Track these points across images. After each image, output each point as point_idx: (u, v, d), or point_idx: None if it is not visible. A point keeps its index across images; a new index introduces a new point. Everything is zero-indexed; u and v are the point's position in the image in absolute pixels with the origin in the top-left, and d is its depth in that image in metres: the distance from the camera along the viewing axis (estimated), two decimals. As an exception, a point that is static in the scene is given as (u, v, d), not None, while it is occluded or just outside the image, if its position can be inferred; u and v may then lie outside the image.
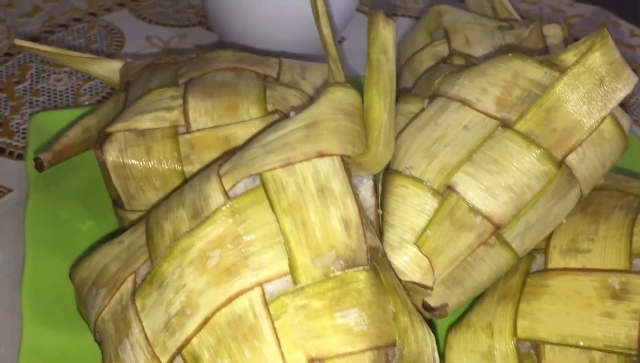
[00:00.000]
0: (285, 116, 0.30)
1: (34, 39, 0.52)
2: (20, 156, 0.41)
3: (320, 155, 0.24)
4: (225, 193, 0.23)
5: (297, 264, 0.22)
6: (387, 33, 0.26)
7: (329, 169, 0.23)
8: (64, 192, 0.35)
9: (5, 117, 0.44)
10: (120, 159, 0.30)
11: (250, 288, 0.21)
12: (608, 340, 0.25)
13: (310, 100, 0.32)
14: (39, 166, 0.32)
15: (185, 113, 0.31)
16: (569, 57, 0.26)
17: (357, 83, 0.29)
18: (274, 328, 0.21)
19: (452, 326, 0.29)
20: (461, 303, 0.27)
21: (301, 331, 0.21)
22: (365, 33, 0.43)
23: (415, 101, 0.30)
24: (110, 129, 0.30)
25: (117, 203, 0.32)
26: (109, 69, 0.39)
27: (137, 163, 0.30)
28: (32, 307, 0.29)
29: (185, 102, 0.31)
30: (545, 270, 0.28)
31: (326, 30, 0.29)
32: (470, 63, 0.32)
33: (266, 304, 0.21)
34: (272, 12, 0.45)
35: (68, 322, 0.29)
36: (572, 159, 0.26)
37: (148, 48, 0.52)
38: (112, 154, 0.30)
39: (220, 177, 0.24)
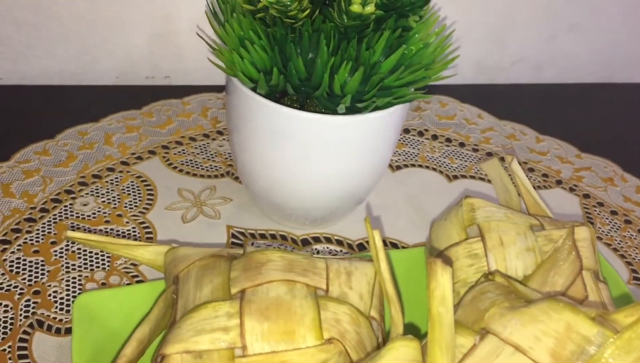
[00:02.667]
0: (342, 347, 0.31)
1: (69, 192, 0.53)
2: (58, 331, 0.42)
3: (391, 426, 0.25)
4: None
5: None
6: (445, 282, 0.28)
7: None
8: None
9: (43, 285, 0.45)
10: (178, 381, 0.31)
11: None
12: None
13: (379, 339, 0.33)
14: (101, 395, 0.32)
15: (242, 336, 0.32)
16: (620, 317, 0.28)
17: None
18: None
19: None
20: None
21: None
22: (388, 184, 0.45)
23: (466, 334, 0.31)
24: (167, 351, 0.31)
25: (169, 418, 0.32)
26: (154, 252, 0.40)
27: (194, 384, 0.31)
28: None
29: (242, 324, 0.32)
30: None
31: (384, 265, 0.30)
32: (512, 285, 0.34)
33: None
34: (301, 178, 0.47)
35: None
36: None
37: (180, 202, 0.53)
38: (170, 376, 0.31)
39: None
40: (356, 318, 0.34)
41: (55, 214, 0.50)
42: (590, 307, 0.30)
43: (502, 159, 0.62)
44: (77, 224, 0.50)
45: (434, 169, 0.62)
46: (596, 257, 0.40)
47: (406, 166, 0.62)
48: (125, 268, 0.47)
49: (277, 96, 0.45)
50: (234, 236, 0.51)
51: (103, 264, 0.47)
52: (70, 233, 0.38)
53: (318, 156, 0.45)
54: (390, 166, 0.61)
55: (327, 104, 0.44)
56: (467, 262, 0.39)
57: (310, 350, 0.31)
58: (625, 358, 0.27)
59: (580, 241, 0.39)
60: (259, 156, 0.47)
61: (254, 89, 0.44)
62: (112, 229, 0.50)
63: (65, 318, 0.43)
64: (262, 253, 0.37)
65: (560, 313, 0.29)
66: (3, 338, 0.41)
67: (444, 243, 0.42)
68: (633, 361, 0.27)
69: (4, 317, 0.42)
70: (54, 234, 0.49)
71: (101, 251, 0.48)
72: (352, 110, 0.44)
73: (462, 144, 0.66)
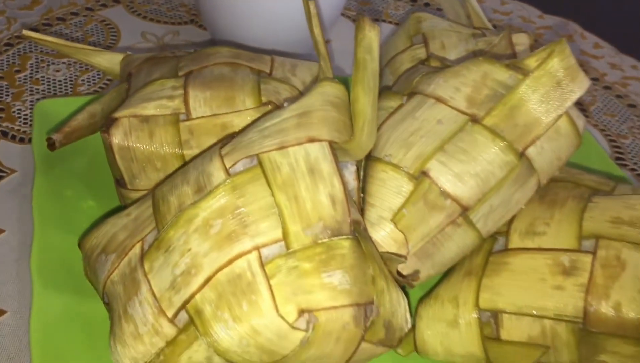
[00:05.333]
0: (278, 107, 0.33)
1: (34, 30, 0.54)
2: (22, 140, 0.44)
3: (311, 140, 0.27)
4: (226, 171, 0.26)
5: (289, 232, 0.25)
6: (372, 35, 0.29)
7: (319, 153, 0.27)
8: (67, 173, 0.38)
9: (7, 104, 0.46)
10: (125, 142, 0.33)
11: (249, 252, 0.25)
12: (558, 310, 0.29)
13: (301, 94, 0.35)
14: (51, 145, 0.34)
15: (186, 102, 0.33)
16: (531, 62, 0.30)
17: (343, 81, 0.32)
18: (269, 285, 0.24)
19: (422, 299, 0.32)
20: (430, 276, 0.31)
21: (293, 287, 0.24)
22: (350, 35, 0.45)
23: (395, 98, 0.33)
24: (116, 115, 0.33)
25: (119, 182, 0.35)
26: (111, 60, 0.42)
27: (141, 146, 0.33)
28: (40, 276, 0.32)
29: (186, 93, 0.34)
30: (505, 250, 0.32)
31: (317, 30, 0.32)
32: (445, 65, 0.36)
33: (262, 265, 0.25)
34: (262, 12, 0.48)
35: (75, 288, 0.31)
36: (531, 151, 0.30)
37: (143, 43, 0.55)
38: (117, 137, 0.33)
39: (222, 157, 0.27)
40: (297, 96, 0.35)
41: (19, 48, 0.52)
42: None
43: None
44: (41, 58, 0.51)
45: (397, 24, 0.63)
46: (534, 63, 0.42)
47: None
48: (89, 94, 0.48)
49: None
50: (195, 71, 0.52)
51: (66, 90, 0.48)
52: (26, 32, 0.39)
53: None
54: (352, 19, 0.62)
55: None
56: (410, 66, 0.41)
57: (248, 111, 0.33)
58: (533, 95, 0.29)
59: (519, 45, 0.41)
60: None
61: None
62: (74, 62, 0.51)
63: (29, 130, 0.44)
64: (212, 48, 0.38)
65: (478, 66, 0.31)
66: (-31, 145, 0.43)
67: (391, 54, 0.43)
68: (541, 96, 0.29)
69: (-31, 127, 0.44)
70: (19, 64, 0.50)
71: (65, 78, 0.49)
72: None
73: (427, 5, 0.67)
